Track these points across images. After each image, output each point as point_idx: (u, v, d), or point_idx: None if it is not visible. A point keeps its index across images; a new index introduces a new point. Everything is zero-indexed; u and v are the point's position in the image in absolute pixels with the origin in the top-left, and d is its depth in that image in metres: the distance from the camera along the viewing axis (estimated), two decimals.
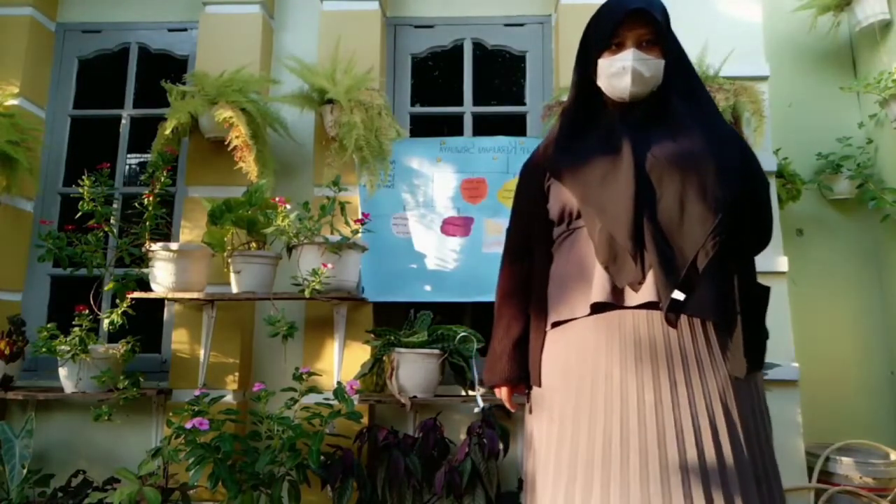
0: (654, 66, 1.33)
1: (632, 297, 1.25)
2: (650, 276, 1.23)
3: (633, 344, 1.23)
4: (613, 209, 1.25)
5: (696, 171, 1.24)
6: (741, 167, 1.29)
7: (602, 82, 1.37)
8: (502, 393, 1.49)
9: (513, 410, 1.52)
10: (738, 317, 1.23)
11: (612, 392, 1.22)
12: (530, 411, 1.43)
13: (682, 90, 1.36)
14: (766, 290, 1.33)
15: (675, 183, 1.24)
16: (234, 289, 2.40)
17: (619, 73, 1.32)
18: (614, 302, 1.25)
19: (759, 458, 1.22)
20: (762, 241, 1.37)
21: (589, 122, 1.41)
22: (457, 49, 3.04)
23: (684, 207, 1.23)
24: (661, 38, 1.34)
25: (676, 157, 1.26)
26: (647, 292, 1.23)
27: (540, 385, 1.37)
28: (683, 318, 1.23)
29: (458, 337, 2.41)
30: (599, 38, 1.36)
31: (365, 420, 2.44)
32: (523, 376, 1.42)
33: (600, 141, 1.36)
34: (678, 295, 1.21)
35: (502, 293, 1.48)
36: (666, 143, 1.29)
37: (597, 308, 1.27)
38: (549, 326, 1.37)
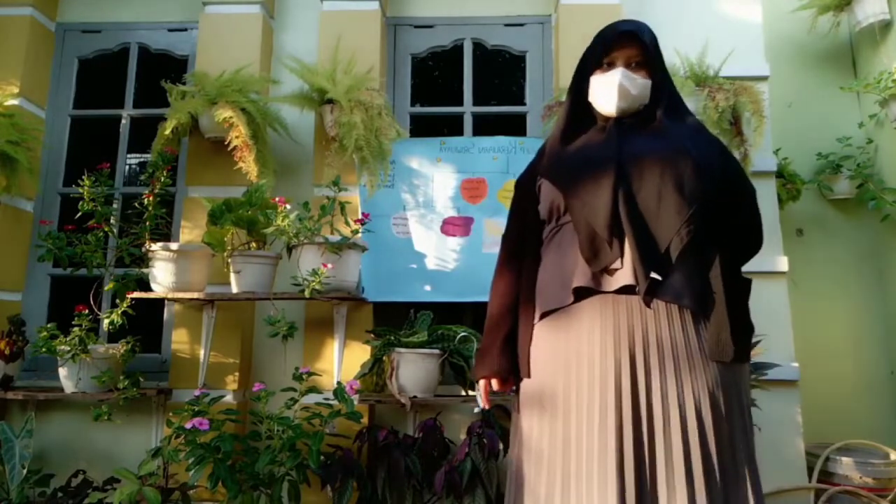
0: (640, 85, 1.44)
1: (610, 283, 1.32)
2: (627, 261, 1.30)
3: (613, 329, 1.29)
4: (593, 201, 1.34)
5: (674, 167, 1.33)
6: (721, 171, 1.38)
7: (593, 98, 1.48)
8: (480, 385, 1.53)
9: (487, 407, 1.55)
10: (722, 302, 1.29)
11: (594, 379, 1.28)
12: (517, 407, 1.47)
13: (667, 108, 1.46)
14: (748, 281, 1.39)
15: (655, 177, 1.33)
16: (234, 289, 2.40)
17: (608, 88, 1.43)
18: (594, 287, 1.32)
19: (729, 450, 1.26)
20: (752, 245, 1.45)
21: (579, 134, 1.50)
22: (457, 49, 3.04)
23: (661, 198, 1.31)
24: (649, 60, 1.46)
25: (657, 155, 1.35)
26: (625, 276, 1.30)
27: (529, 376, 1.42)
28: (661, 305, 1.29)
29: (458, 337, 2.41)
30: (593, 57, 1.49)
31: (365, 420, 2.44)
32: (513, 370, 1.47)
33: (589, 143, 1.46)
34: (655, 275, 1.27)
35: (495, 291, 1.54)
36: (648, 144, 1.38)
37: (580, 296, 1.34)
38: (537, 319, 1.42)
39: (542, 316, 1.41)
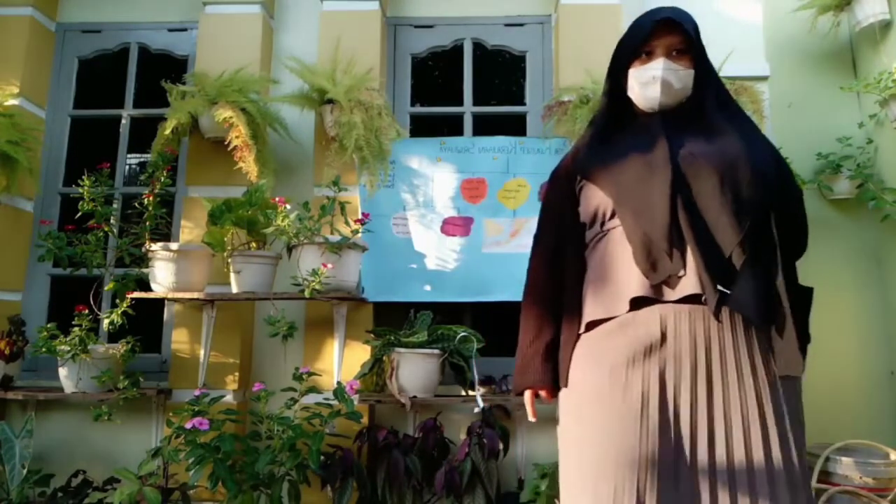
0: (683, 76, 1.34)
1: (671, 292, 1.24)
2: (691, 270, 1.22)
3: (673, 340, 1.22)
4: (649, 209, 1.25)
5: (732, 171, 1.24)
6: (775, 173, 1.30)
7: (633, 92, 1.38)
8: (527, 398, 1.45)
9: (534, 419, 1.47)
10: (790, 314, 1.22)
11: (651, 391, 1.22)
12: (560, 416, 1.39)
13: (714, 100, 1.37)
14: (810, 290, 1.31)
15: (713, 180, 1.24)
16: (234, 289, 2.40)
17: (649, 82, 1.34)
18: (655, 297, 1.25)
19: (792, 465, 1.20)
20: (798, 248, 1.36)
21: (621, 128, 1.42)
22: (457, 49, 3.04)
23: (722, 205, 1.23)
24: (691, 47, 1.35)
25: (713, 156, 1.26)
26: (690, 285, 1.22)
27: (567, 385, 1.35)
28: (724, 316, 1.22)
29: (458, 337, 2.41)
30: (630, 47, 1.38)
31: (365, 420, 2.44)
32: (555, 380, 1.39)
33: (634, 142, 1.36)
34: (723, 288, 1.19)
35: (532, 296, 1.46)
36: (701, 144, 1.29)
37: (635, 305, 1.26)
38: (582, 328, 1.35)
39: (591, 325, 1.33)
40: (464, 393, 2.50)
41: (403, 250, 2.70)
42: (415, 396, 2.35)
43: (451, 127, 3.02)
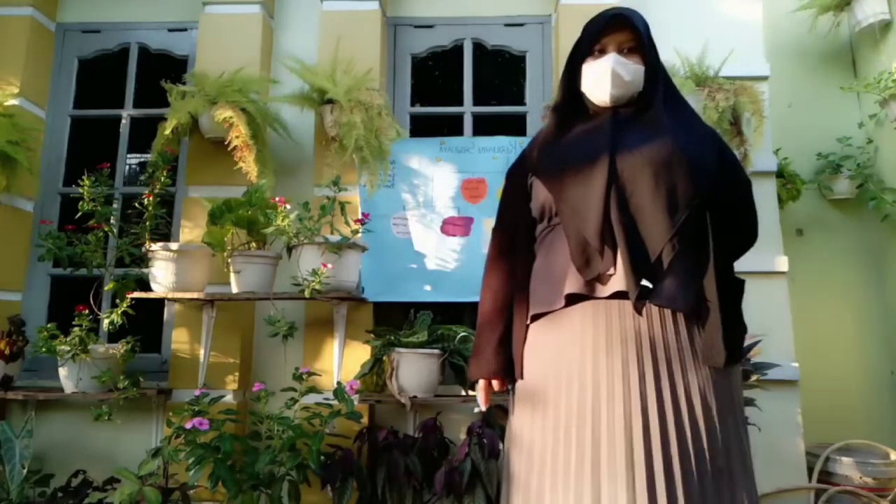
0: (633, 70, 1.40)
1: (602, 289, 1.30)
2: (620, 267, 1.28)
3: (605, 334, 1.28)
4: (584, 208, 1.32)
5: (667, 170, 1.30)
6: (716, 169, 1.35)
7: (585, 86, 1.44)
8: (480, 386, 1.52)
9: (484, 408, 1.54)
10: (716, 307, 1.27)
11: (586, 382, 1.27)
12: (512, 407, 1.45)
13: (661, 96, 1.42)
14: (741, 282, 1.37)
15: (648, 180, 1.29)
16: (234, 289, 2.40)
17: (601, 75, 1.40)
18: (587, 293, 1.30)
19: (723, 451, 1.24)
20: (746, 240, 1.42)
21: (572, 126, 1.47)
22: (457, 49, 3.04)
23: (654, 203, 1.28)
24: (641, 46, 1.42)
25: (650, 157, 1.31)
26: (617, 282, 1.28)
27: (523, 378, 1.41)
28: (654, 310, 1.27)
29: (458, 337, 2.41)
30: (583, 45, 1.45)
31: (365, 420, 2.44)
32: (508, 370, 1.45)
33: (580, 142, 1.42)
34: (646, 282, 1.26)
35: (487, 287, 1.52)
36: (642, 144, 1.34)
37: (571, 300, 1.32)
38: (528, 320, 1.41)
39: (534, 318, 1.40)
40: (464, 393, 2.50)
41: (403, 250, 2.70)
42: (415, 396, 2.35)
43: (451, 127, 3.02)
